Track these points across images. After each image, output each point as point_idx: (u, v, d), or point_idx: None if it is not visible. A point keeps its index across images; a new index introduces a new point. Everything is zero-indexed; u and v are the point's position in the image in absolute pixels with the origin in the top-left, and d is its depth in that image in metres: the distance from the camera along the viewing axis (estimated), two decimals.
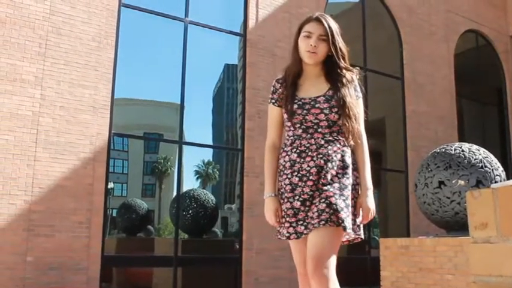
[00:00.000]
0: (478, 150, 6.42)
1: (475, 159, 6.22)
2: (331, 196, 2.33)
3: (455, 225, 6.28)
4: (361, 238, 2.49)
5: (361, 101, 2.58)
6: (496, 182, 6.15)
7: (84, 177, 7.39)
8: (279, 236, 2.48)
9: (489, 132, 13.93)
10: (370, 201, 2.45)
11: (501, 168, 6.38)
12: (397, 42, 11.75)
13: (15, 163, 6.93)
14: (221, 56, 10.55)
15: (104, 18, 7.91)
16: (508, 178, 7.38)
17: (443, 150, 6.50)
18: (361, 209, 2.44)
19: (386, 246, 6.51)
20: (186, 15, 9.00)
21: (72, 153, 7.34)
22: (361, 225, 2.48)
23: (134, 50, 8.98)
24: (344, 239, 2.47)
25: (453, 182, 6.14)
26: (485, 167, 6.19)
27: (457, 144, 6.64)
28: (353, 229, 2.39)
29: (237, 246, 8.97)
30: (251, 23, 9.51)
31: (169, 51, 9.36)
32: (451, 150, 6.41)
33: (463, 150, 6.34)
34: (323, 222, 2.28)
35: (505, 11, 13.89)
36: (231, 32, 9.74)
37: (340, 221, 2.28)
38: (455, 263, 5.64)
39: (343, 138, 2.46)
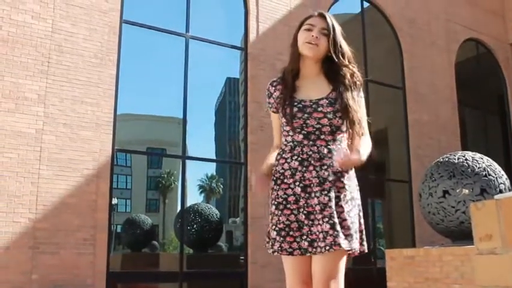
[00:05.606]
0: (482, 158, 6.40)
1: (478, 168, 6.21)
2: (333, 214, 2.17)
3: (461, 234, 6.25)
4: (364, 251, 2.31)
5: (363, 101, 2.43)
6: (500, 190, 6.13)
7: (87, 193, 7.39)
8: (275, 250, 2.26)
9: (492, 140, 13.91)
10: (357, 157, 2.19)
11: (505, 176, 6.37)
12: (397, 52, 11.79)
13: (19, 181, 6.94)
14: (223, 70, 10.60)
15: (106, 35, 7.96)
16: None
17: (447, 159, 6.49)
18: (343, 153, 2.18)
19: (392, 256, 6.48)
20: (187, 30, 9.06)
21: (75, 170, 7.35)
22: (364, 238, 2.33)
23: (136, 66, 9.03)
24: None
25: (457, 191, 6.12)
26: (489, 175, 6.17)
27: (460, 153, 6.63)
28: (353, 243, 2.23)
29: (242, 260, 8.93)
30: (252, 36, 9.55)
31: (171, 66, 9.40)
32: (455, 159, 6.40)
33: (466, 159, 6.33)
34: (328, 247, 2.14)
35: (504, 19, 13.92)
36: (232, 46, 9.79)
37: (345, 245, 2.14)
38: (461, 272, 5.61)
39: (347, 146, 2.33)
